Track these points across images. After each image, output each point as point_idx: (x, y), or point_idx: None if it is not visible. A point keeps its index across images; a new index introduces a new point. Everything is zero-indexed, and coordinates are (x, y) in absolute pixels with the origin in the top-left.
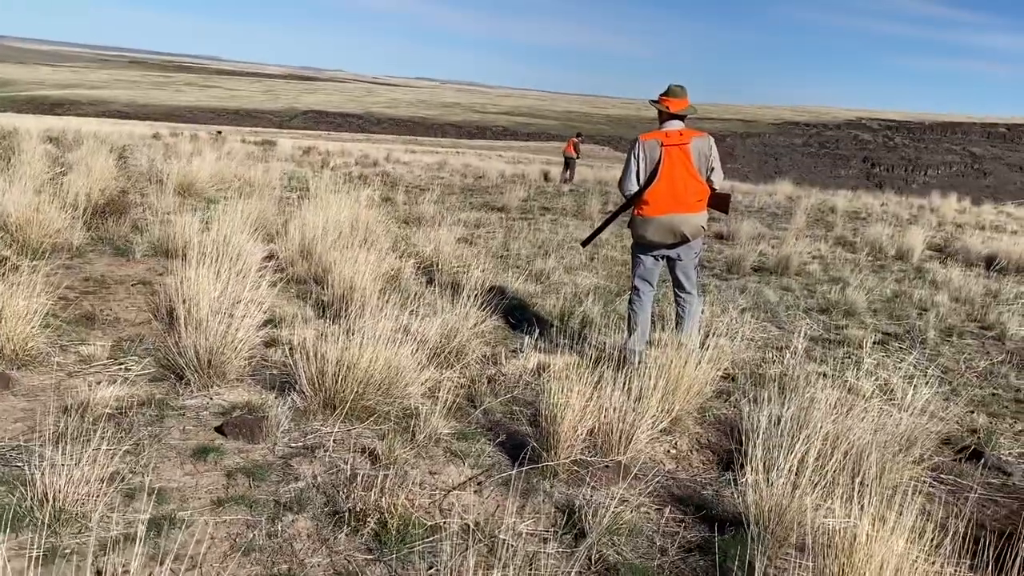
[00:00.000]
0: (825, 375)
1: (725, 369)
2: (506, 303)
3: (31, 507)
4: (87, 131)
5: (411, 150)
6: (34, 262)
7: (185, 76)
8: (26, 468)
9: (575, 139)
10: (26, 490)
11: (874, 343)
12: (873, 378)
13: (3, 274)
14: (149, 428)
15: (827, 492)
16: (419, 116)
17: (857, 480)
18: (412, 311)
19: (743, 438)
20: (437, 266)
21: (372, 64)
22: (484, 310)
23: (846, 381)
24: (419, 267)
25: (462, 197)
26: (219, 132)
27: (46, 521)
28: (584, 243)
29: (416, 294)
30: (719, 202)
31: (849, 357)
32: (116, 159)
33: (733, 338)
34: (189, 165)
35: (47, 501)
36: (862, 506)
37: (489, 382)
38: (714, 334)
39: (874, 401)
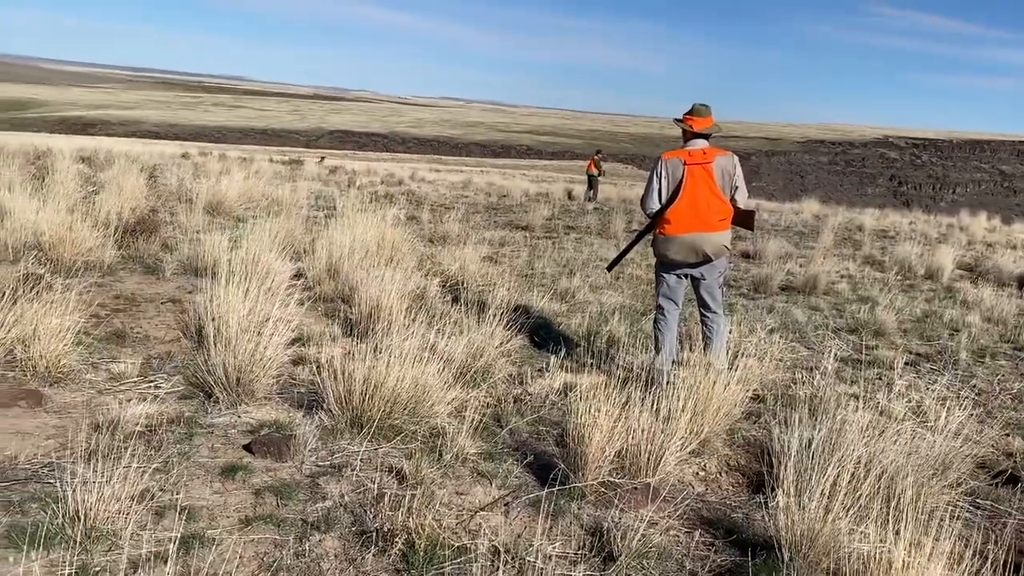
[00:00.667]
0: (856, 396)
1: (754, 390)
2: (531, 322)
3: (63, 524)
4: (118, 151)
5: (435, 169)
6: (67, 280)
7: (214, 96)
8: (58, 485)
9: (595, 157)
10: (58, 507)
11: (905, 364)
12: (905, 400)
13: (38, 292)
14: (178, 446)
15: (860, 516)
16: (444, 135)
17: (891, 504)
18: (438, 330)
19: (773, 460)
20: (462, 284)
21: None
22: (510, 329)
23: (877, 403)
24: (444, 285)
25: (486, 216)
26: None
27: (78, 539)
28: (610, 267)
29: (442, 313)
30: (744, 219)
31: (880, 378)
32: (146, 178)
33: (762, 358)
34: (218, 184)
35: (79, 519)
36: (897, 531)
37: (515, 402)
38: (742, 354)
39: (907, 423)
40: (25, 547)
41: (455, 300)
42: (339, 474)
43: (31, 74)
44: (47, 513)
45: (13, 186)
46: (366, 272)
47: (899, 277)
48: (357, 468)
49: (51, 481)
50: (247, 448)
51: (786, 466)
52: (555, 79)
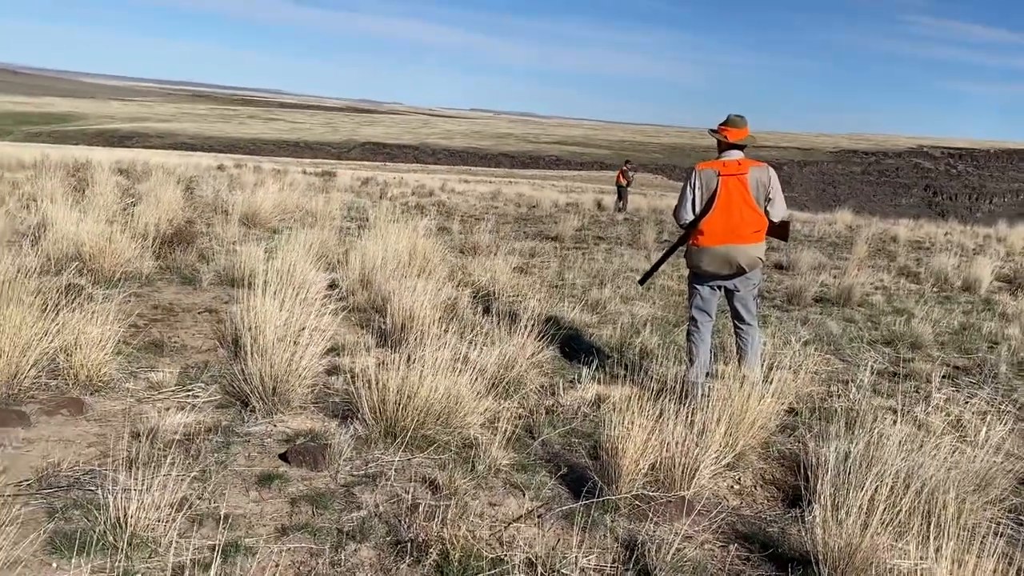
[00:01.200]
0: (893, 410)
1: (789, 403)
2: (562, 333)
3: (104, 531)
4: (155, 163)
5: (465, 180)
6: (107, 290)
7: (249, 109)
8: (99, 492)
9: (624, 167)
10: (99, 514)
11: (943, 377)
12: (943, 413)
13: (79, 303)
14: (216, 455)
15: (900, 532)
16: (473, 147)
17: (932, 520)
18: (470, 340)
19: (809, 474)
20: (493, 295)
21: (428, 97)
22: (541, 340)
23: (915, 416)
24: (475, 296)
25: (516, 226)
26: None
27: (119, 546)
28: (642, 280)
29: (473, 323)
30: (779, 229)
31: (917, 391)
32: (183, 190)
33: (796, 371)
34: (253, 196)
35: (120, 526)
36: (938, 548)
37: (547, 413)
38: (777, 367)
39: (946, 438)
40: (68, 554)
41: (486, 311)
42: (373, 484)
43: (72, 88)
44: (89, 520)
45: (55, 198)
46: (398, 282)
47: (935, 289)
48: (391, 478)
49: (93, 488)
50: (283, 457)
51: (823, 480)
52: (585, 90)
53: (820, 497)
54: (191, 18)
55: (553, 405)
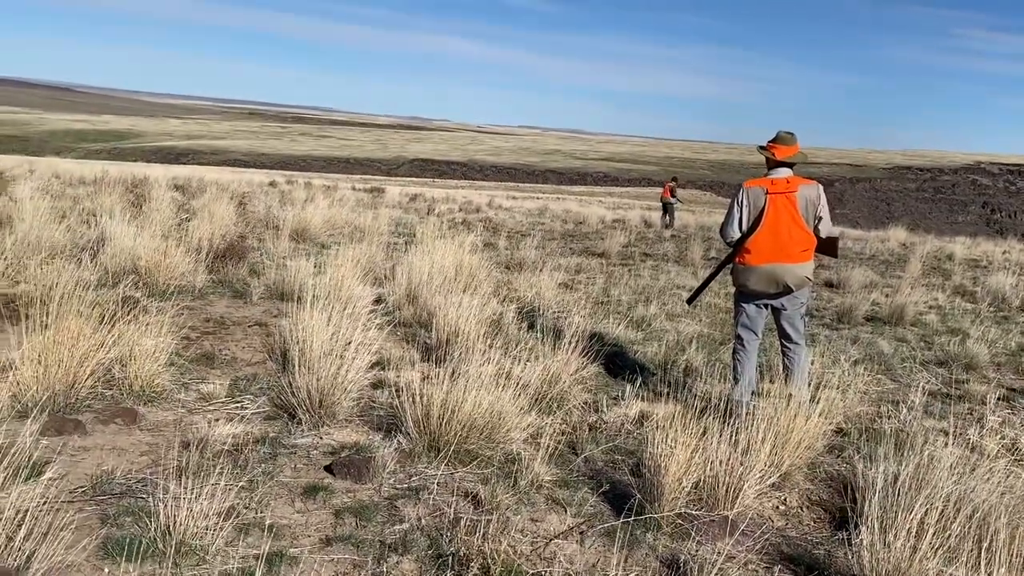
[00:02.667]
0: (945, 432)
1: (837, 423)
2: (607, 349)
3: (154, 538)
4: (209, 179)
5: (512, 196)
6: (161, 303)
7: (301, 127)
8: (150, 500)
9: (671, 183)
10: (150, 522)
11: (998, 399)
12: (998, 436)
13: (134, 315)
14: (263, 465)
15: (950, 557)
16: (521, 163)
17: (983, 546)
18: (514, 356)
19: (857, 496)
20: (538, 311)
21: (477, 114)
22: (585, 356)
23: (968, 439)
24: (520, 312)
25: (563, 243)
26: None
27: (168, 553)
28: (690, 300)
29: (518, 339)
30: (827, 246)
31: (971, 413)
32: (236, 206)
33: (845, 391)
34: (303, 212)
35: (169, 533)
36: (990, 573)
37: (590, 429)
38: (825, 386)
39: (1000, 461)
40: (119, 559)
41: (531, 326)
42: (416, 497)
43: (131, 106)
44: (140, 527)
45: (114, 213)
46: (444, 298)
47: (992, 308)
48: (434, 492)
49: (144, 496)
50: (328, 469)
51: (871, 502)
52: (633, 106)
53: (868, 519)
54: (245, 37)
55: (596, 422)
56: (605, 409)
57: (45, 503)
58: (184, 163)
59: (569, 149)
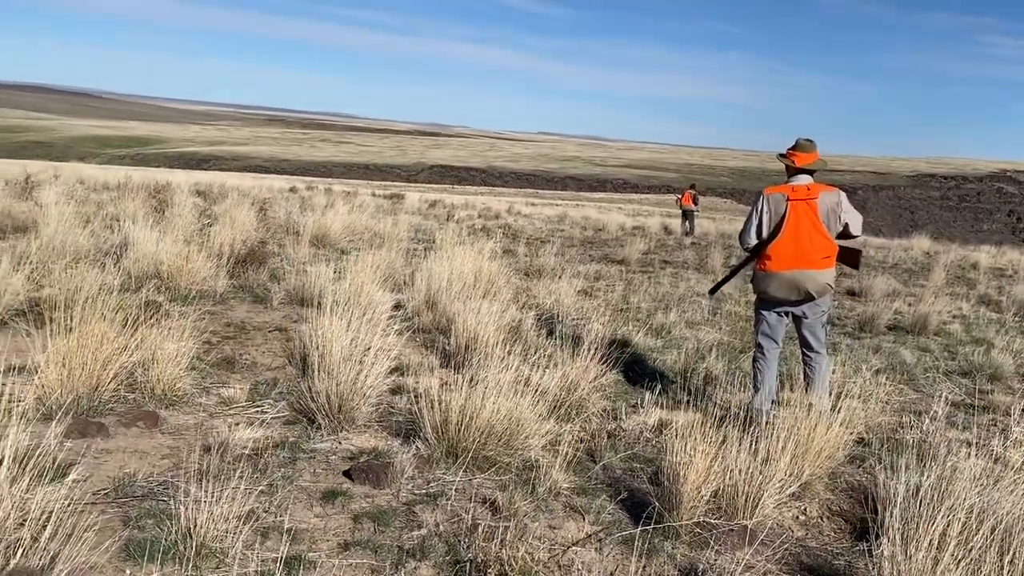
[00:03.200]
0: (968, 443)
1: (858, 433)
2: (626, 357)
3: (175, 541)
4: (231, 185)
5: (532, 203)
6: (182, 308)
7: (321, 133)
8: (171, 503)
9: (690, 190)
10: (171, 524)
11: (1023, 410)
12: (1023, 448)
13: (157, 319)
14: (282, 470)
15: (972, 570)
16: (540, 169)
17: (1006, 559)
18: (533, 362)
19: (878, 507)
20: (557, 318)
21: (495, 120)
22: (604, 363)
23: (992, 450)
24: (539, 318)
25: (582, 249)
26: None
27: (189, 556)
28: (711, 292)
29: (537, 345)
30: (849, 257)
31: (995, 424)
32: (257, 211)
33: (866, 400)
34: (323, 217)
35: (190, 536)
36: None
37: (609, 437)
38: (846, 395)
39: None
40: (141, 561)
41: (550, 333)
42: (434, 503)
43: (154, 112)
44: (161, 529)
45: (137, 218)
46: (463, 304)
47: (1017, 318)
48: (452, 498)
49: (165, 499)
50: (347, 474)
51: (892, 513)
52: (652, 113)
53: (889, 531)
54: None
55: (615, 429)
56: (624, 417)
57: (69, 505)
58: (206, 169)
59: (589, 155)
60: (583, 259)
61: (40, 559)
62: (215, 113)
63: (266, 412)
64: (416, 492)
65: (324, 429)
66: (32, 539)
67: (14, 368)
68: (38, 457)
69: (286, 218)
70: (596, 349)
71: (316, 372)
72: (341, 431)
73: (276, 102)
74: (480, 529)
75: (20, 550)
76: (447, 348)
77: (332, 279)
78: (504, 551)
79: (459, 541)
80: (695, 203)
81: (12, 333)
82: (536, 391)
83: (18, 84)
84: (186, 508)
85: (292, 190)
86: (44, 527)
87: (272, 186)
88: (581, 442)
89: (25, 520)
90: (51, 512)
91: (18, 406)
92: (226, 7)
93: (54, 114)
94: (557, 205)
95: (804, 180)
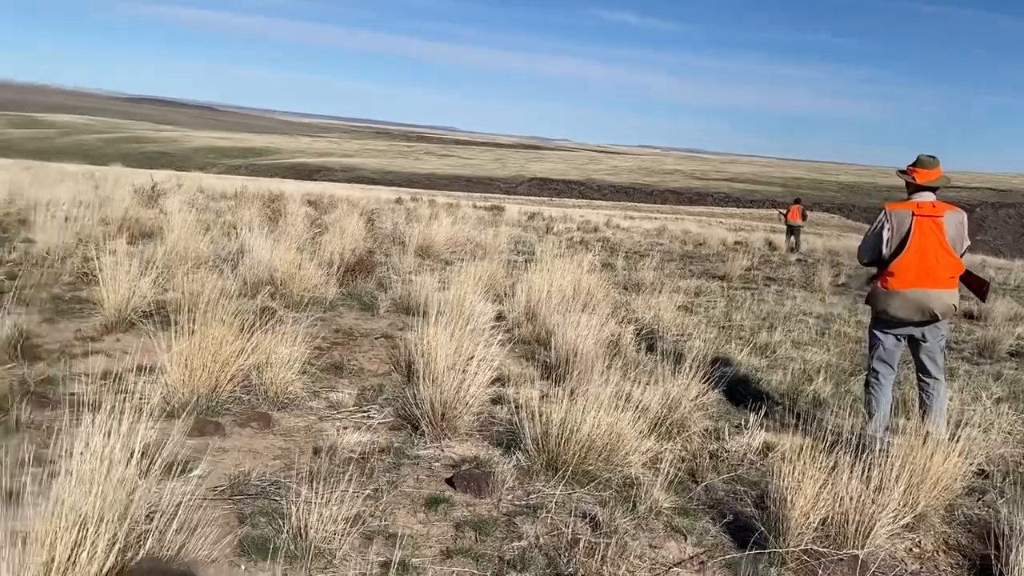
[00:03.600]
0: None
1: (978, 464)
2: (728, 376)
3: (287, 540)
4: (340, 196)
5: (630, 216)
6: (295, 314)
7: (425, 146)
8: (283, 502)
9: (796, 205)
10: (283, 523)
11: None
12: None
13: (271, 325)
14: (387, 475)
15: None
16: (639, 183)
17: None
18: (633, 378)
19: (1001, 544)
20: (657, 333)
21: (596, 133)
22: (706, 382)
23: None
24: (638, 333)
25: (681, 264)
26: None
27: (302, 556)
28: (840, 284)
29: (636, 361)
30: (976, 288)
31: None
32: (365, 222)
33: (987, 430)
34: (428, 228)
35: (300, 535)
36: None
37: (711, 458)
38: (965, 424)
39: None
40: (255, 558)
41: (649, 349)
42: (534, 515)
43: (267, 125)
44: (273, 527)
45: (252, 226)
46: (562, 316)
47: None
48: (552, 511)
49: (277, 499)
50: (449, 482)
51: (1016, 550)
52: (756, 125)
53: (1015, 570)
54: (372, 59)
55: (717, 450)
56: (727, 437)
57: (191, 500)
58: (316, 179)
59: (689, 169)
60: (683, 274)
61: (168, 550)
62: (325, 126)
63: (372, 417)
64: (516, 503)
65: (427, 436)
66: (160, 533)
67: (144, 368)
68: (166, 455)
69: (392, 228)
70: (698, 367)
71: (421, 380)
72: (444, 438)
73: (383, 116)
74: (580, 544)
75: (149, 539)
76: (547, 360)
77: (436, 289)
78: (605, 568)
79: (559, 555)
80: (803, 218)
81: (141, 334)
82: (637, 407)
83: (146, 97)
84: (297, 508)
85: (398, 201)
86: (171, 520)
87: (379, 197)
88: (682, 461)
89: (153, 512)
90: (178, 505)
91: (147, 404)
92: (343, 25)
93: (177, 126)
94: (656, 219)
95: (928, 197)
